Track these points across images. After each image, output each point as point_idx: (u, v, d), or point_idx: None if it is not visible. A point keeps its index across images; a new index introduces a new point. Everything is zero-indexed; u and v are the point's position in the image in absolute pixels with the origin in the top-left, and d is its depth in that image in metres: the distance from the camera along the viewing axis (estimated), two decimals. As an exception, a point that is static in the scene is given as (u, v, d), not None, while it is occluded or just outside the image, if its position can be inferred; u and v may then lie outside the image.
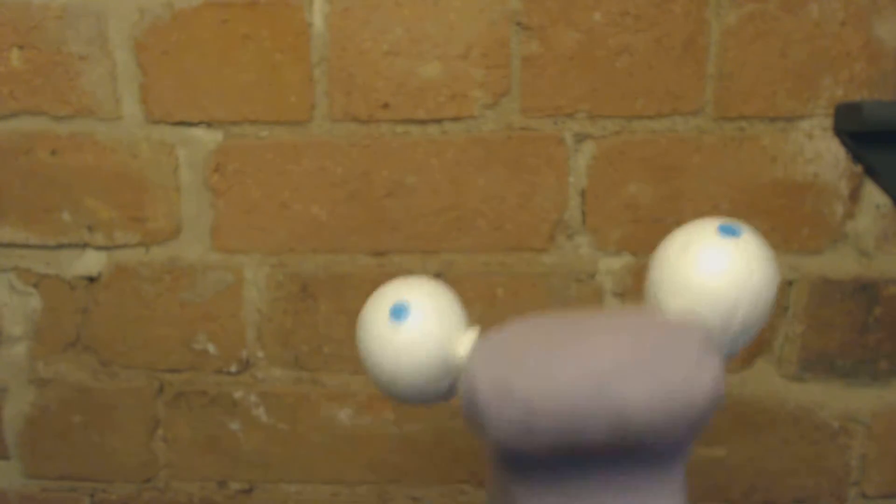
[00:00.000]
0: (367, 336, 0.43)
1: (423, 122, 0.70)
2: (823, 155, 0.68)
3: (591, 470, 0.39)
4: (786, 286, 0.70)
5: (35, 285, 0.77)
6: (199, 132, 0.72)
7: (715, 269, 0.39)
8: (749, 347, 0.71)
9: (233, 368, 0.76)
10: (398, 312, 0.42)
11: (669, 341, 0.37)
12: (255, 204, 0.73)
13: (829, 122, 0.67)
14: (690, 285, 0.39)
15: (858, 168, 0.68)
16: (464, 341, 0.44)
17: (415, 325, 0.42)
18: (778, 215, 0.69)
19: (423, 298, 0.43)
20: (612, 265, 0.71)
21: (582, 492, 0.40)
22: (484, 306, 0.73)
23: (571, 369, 0.37)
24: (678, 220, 0.70)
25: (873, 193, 0.68)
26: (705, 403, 0.36)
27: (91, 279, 0.76)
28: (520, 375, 0.37)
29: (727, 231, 0.40)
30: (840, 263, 0.69)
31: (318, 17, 0.69)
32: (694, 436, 0.39)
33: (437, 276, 0.73)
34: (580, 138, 0.69)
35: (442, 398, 0.45)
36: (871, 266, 0.69)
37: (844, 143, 0.67)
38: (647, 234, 0.70)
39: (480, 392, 0.38)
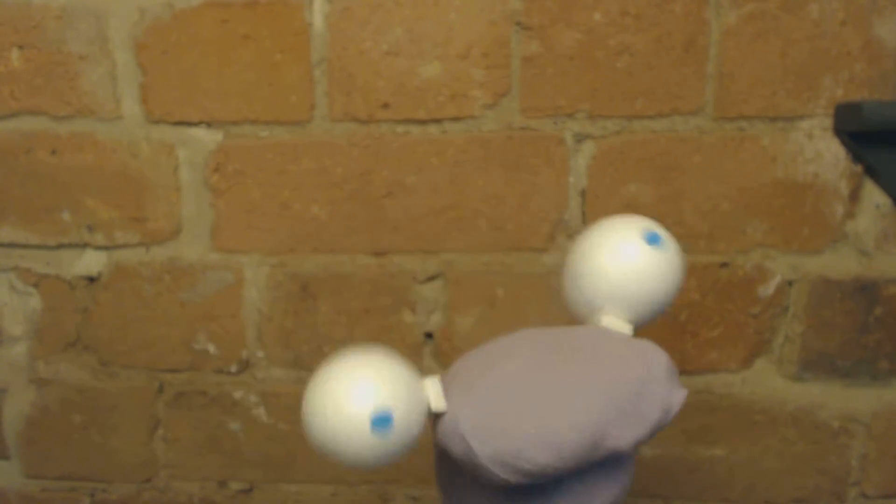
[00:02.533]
0: (347, 442, 0.40)
1: (423, 122, 0.70)
2: (823, 155, 0.68)
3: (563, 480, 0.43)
4: (786, 286, 0.70)
5: (35, 285, 0.77)
6: (199, 132, 0.72)
7: (643, 277, 0.46)
8: (749, 347, 0.71)
9: (233, 368, 0.76)
10: (380, 423, 0.39)
11: (648, 382, 0.42)
12: (255, 204, 0.73)
13: (829, 122, 0.67)
14: (626, 295, 0.46)
15: (858, 168, 0.68)
16: (428, 393, 0.43)
17: (400, 432, 0.40)
18: (778, 215, 0.69)
19: (400, 397, 0.40)
20: (612, 265, 0.71)
21: (551, 487, 0.43)
22: (484, 306, 0.73)
23: (569, 430, 0.40)
24: (678, 220, 0.70)
25: (873, 193, 0.68)
26: (675, 414, 0.43)
27: (91, 279, 0.76)
28: (517, 441, 0.40)
29: (653, 240, 0.47)
30: (840, 263, 0.69)
31: (318, 17, 0.69)
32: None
33: (437, 276, 0.73)
34: (580, 138, 0.69)
35: None
36: (871, 266, 0.69)
37: (844, 143, 0.67)
38: (647, 234, 0.70)
39: (478, 455, 0.40)
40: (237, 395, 0.77)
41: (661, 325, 0.71)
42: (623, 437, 0.41)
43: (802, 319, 0.71)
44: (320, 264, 0.73)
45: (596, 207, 0.70)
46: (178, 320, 0.76)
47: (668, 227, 0.70)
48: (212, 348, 0.76)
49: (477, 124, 0.70)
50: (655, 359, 0.44)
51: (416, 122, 0.70)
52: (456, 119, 0.70)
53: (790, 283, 0.70)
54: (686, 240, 0.70)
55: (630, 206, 0.70)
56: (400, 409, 0.40)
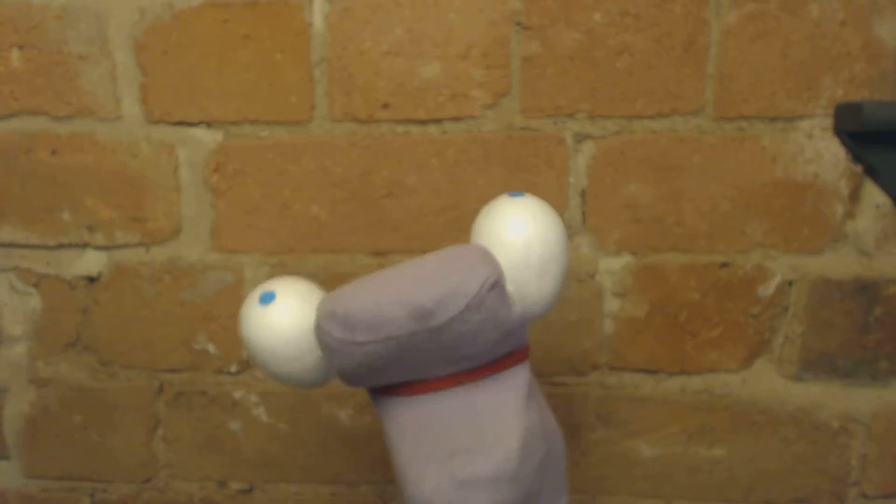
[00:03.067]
0: (242, 321, 0.51)
1: (423, 122, 0.70)
2: (823, 155, 0.68)
3: (440, 400, 0.49)
4: (786, 286, 0.70)
5: (35, 285, 0.77)
6: (199, 132, 0.72)
7: (507, 220, 0.49)
8: (749, 347, 0.71)
9: (233, 368, 0.76)
10: (266, 298, 0.50)
11: (453, 258, 0.48)
12: (255, 204, 0.73)
13: (829, 122, 0.67)
14: (494, 239, 0.49)
15: (858, 168, 0.68)
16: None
17: (279, 305, 0.50)
18: (778, 215, 0.69)
19: (286, 287, 0.51)
20: (612, 265, 0.71)
21: (434, 420, 0.49)
22: (484, 306, 0.73)
23: (379, 289, 0.47)
24: (678, 221, 0.70)
25: (873, 193, 0.68)
26: (479, 290, 0.46)
27: (91, 279, 0.76)
28: (341, 301, 0.48)
29: (515, 194, 0.51)
30: (840, 263, 0.69)
31: (318, 17, 0.69)
32: (502, 340, 0.48)
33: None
34: (580, 138, 0.69)
35: (316, 378, 0.52)
36: (871, 266, 0.69)
37: (844, 143, 0.67)
38: (647, 234, 0.70)
39: (318, 322, 0.48)
40: (237, 395, 0.77)
41: (661, 325, 0.72)
42: (424, 290, 0.46)
43: (802, 319, 0.71)
44: (320, 264, 0.73)
45: (596, 207, 0.70)
46: (178, 320, 0.76)
47: (667, 227, 0.70)
48: (212, 348, 0.76)
49: (477, 124, 0.70)
50: (469, 247, 0.50)
51: (416, 122, 0.70)
52: (456, 119, 0.70)
53: (790, 283, 0.70)
54: (686, 240, 0.70)
55: (630, 206, 0.70)
56: (283, 292, 0.51)
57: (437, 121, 0.70)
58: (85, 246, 0.75)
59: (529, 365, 0.52)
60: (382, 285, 0.48)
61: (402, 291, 0.46)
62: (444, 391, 0.49)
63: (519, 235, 0.49)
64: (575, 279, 0.71)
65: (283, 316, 0.50)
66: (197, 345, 0.76)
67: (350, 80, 0.70)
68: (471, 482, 0.47)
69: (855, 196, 0.68)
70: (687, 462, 0.74)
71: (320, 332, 0.48)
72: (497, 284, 0.47)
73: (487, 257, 0.48)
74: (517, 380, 0.50)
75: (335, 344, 0.47)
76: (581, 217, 0.70)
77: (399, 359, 0.47)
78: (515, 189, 0.70)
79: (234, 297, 0.75)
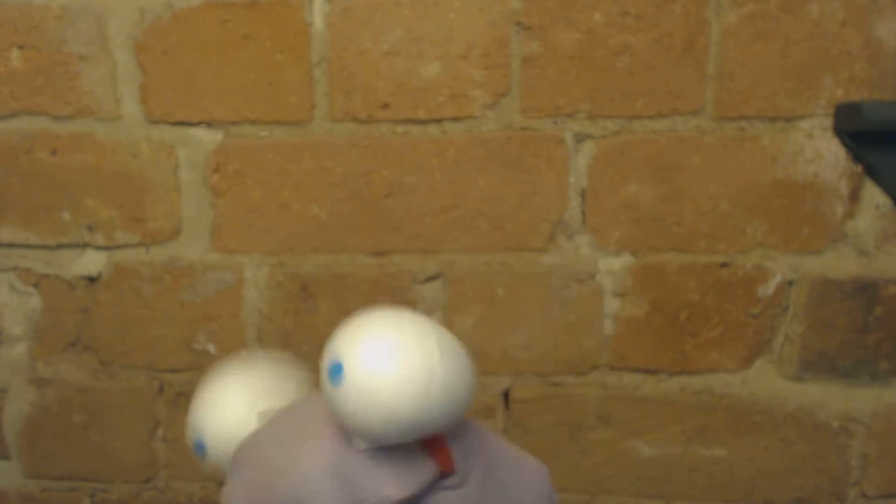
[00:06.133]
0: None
1: (423, 122, 0.70)
2: (823, 155, 0.68)
3: None
4: (786, 286, 0.70)
5: (35, 285, 0.77)
6: (199, 132, 0.72)
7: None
8: (749, 347, 0.71)
9: (233, 368, 0.76)
10: (198, 448, 0.53)
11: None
12: (255, 204, 0.73)
13: (829, 122, 0.67)
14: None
15: (858, 168, 0.68)
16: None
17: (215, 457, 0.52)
18: (778, 215, 0.69)
19: (213, 432, 0.53)
20: (612, 265, 0.71)
21: None
22: (484, 306, 0.73)
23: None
24: (678, 220, 0.70)
25: (873, 193, 0.68)
26: None
27: (91, 279, 0.76)
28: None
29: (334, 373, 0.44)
30: (840, 263, 0.69)
31: (318, 17, 0.69)
32: None
33: (437, 276, 0.73)
34: (580, 138, 0.69)
35: None
36: (871, 266, 0.69)
37: (844, 143, 0.67)
38: (647, 234, 0.70)
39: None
40: (237, 395, 0.77)
41: (661, 325, 0.71)
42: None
43: (802, 319, 0.71)
44: (320, 264, 0.73)
45: (596, 207, 0.70)
46: (178, 320, 0.76)
47: (667, 228, 0.70)
48: (212, 348, 0.76)
49: (477, 124, 0.70)
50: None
51: (416, 122, 0.70)
52: (456, 119, 0.70)
53: (790, 283, 0.70)
54: (686, 240, 0.70)
55: (630, 206, 0.70)
56: (211, 440, 0.52)
57: (437, 121, 0.70)
58: (85, 246, 0.75)
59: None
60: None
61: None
62: None
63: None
64: (575, 279, 0.71)
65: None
66: (197, 345, 0.76)
67: (350, 80, 0.70)
68: None
69: (855, 196, 0.68)
70: (687, 462, 0.74)
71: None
72: None
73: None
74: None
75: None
76: (581, 217, 0.70)
77: None
78: (519, 188, 0.70)
79: (234, 297, 0.75)
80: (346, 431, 0.44)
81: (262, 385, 0.54)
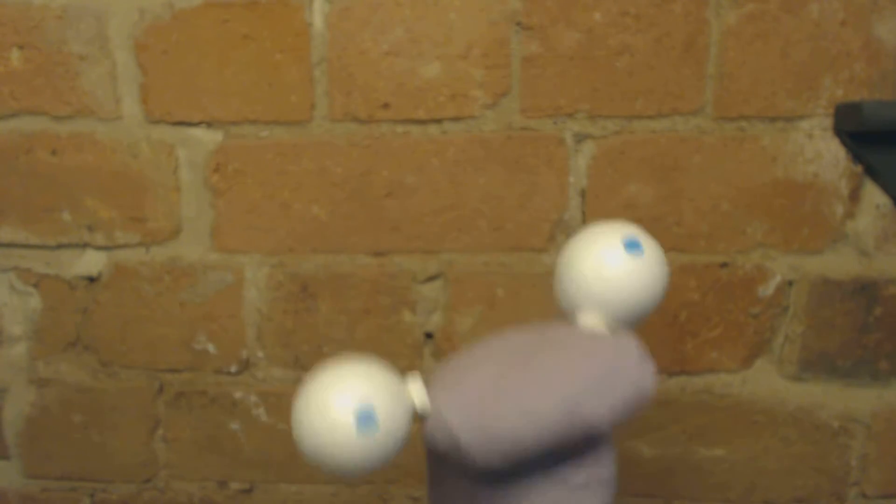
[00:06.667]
0: (332, 444, 0.42)
1: (423, 122, 0.70)
2: (823, 155, 0.68)
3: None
4: (786, 286, 0.70)
5: (35, 285, 0.77)
6: (199, 132, 0.72)
7: (620, 284, 0.47)
8: (749, 347, 0.71)
9: (233, 368, 0.76)
10: (366, 421, 0.41)
11: (618, 359, 0.45)
12: (256, 204, 0.73)
13: (829, 122, 0.67)
14: (604, 300, 0.48)
15: (858, 168, 0.68)
16: (413, 392, 0.45)
17: (385, 431, 0.42)
18: (778, 215, 0.69)
19: (383, 396, 0.42)
20: (612, 265, 0.71)
21: (535, 472, 0.46)
22: (484, 306, 0.73)
23: (547, 401, 0.43)
24: (678, 220, 0.70)
25: (873, 193, 0.68)
26: (650, 396, 0.46)
27: (91, 279, 0.76)
28: (500, 419, 0.43)
29: (632, 247, 0.48)
30: (840, 263, 0.69)
31: (318, 17, 0.69)
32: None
33: (437, 276, 0.73)
34: (580, 138, 0.69)
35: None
36: (871, 266, 0.69)
37: (844, 143, 0.67)
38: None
39: (464, 441, 0.42)
40: (237, 395, 0.77)
41: (661, 325, 0.71)
42: (597, 410, 0.43)
43: (802, 319, 0.71)
44: (320, 264, 0.73)
45: (596, 207, 0.70)
46: (178, 320, 0.76)
47: (667, 228, 0.70)
48: (212, 348, 0.76)
49: (477, 124, 0.70)
50: (624, 343, 0.46)
51: (416, 122, 0.70)
52: (456, 119, 0.70)
53: (790, 283, 0.70)
54: (686, 240, 0.70)
55: (630, 206, 0.70)
56: (382, 407, 0.41)
57: (437, 121, 0.70)
58: (85, 246, 0.75)
59: None
60: (531, 393, 0.43)
61: (569, 408, 0.43)
62: None
63: (631, 303, 0.48)
64: (575, 279, 0.71)
65: (388, 445, 0.41)
66: (197, 345, 0.76)
67: (350, 80, 0.70)
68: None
69: (855, 196, 0.68)
70: (687, 462, 0.74)
71: (456, 450, 0.43)
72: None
73: (642, 355, 0.46)
74: None
75: (489, 460, 0.43)
76: (581, 217, 0.70)
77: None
78: (519, 188, 0.70)
79: (234, 297, 0.75)
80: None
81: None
